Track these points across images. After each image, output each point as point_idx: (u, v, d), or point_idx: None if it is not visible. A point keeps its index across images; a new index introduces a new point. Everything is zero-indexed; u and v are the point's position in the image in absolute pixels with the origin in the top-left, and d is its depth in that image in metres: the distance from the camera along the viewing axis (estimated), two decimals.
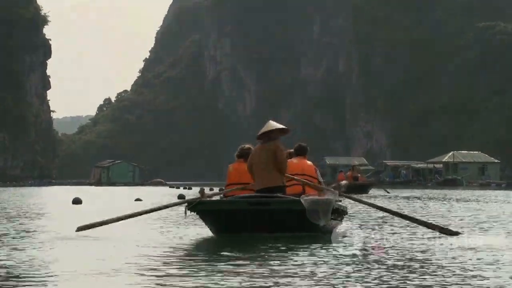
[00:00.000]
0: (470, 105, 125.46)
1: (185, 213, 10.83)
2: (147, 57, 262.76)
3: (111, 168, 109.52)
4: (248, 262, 7.68)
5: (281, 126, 11.47)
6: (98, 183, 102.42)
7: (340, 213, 11.53)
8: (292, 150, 12.33)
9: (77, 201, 25.50)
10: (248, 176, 11.49)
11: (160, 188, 72.53)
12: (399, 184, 75.49)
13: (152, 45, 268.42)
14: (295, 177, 11.84)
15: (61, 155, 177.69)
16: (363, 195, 37.48)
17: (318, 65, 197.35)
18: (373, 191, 43.29)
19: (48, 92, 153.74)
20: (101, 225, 11.02)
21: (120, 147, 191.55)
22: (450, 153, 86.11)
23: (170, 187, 73.82)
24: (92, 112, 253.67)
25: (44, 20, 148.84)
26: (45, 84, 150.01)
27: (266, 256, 8.21)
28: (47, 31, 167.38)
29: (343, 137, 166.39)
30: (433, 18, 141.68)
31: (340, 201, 11.99)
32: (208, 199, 11.07)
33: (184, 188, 61.39)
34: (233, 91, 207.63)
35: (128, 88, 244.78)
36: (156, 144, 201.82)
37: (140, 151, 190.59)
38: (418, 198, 32.35)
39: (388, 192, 41.40)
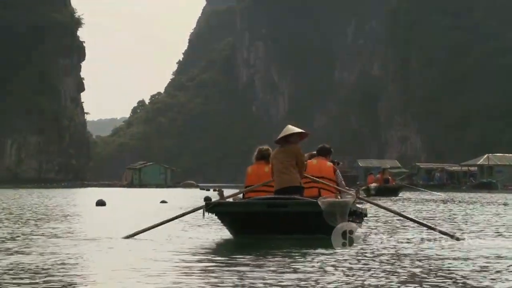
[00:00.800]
0: (507, 109, 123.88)
1: (203, 214, 10.87)
2: (181, 60, 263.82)
3: (143, 170, 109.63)
4: (251, 264, 7.66)
5: (300, 130, 11.49)
6: (130, 185, 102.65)
7: (358, 216, 11.46)
8: (314, 152, 12.37)
9: (101, 203, 25.32)
10: (267, 177, 11.54)
11: (191, 190, 72.65)
12: (433, 187, 74.47)
13: (186, 48, 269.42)
14: (313, 177, 11.80)
15: (96, 157, 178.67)
16: (393, 197, 37.03)
17: (353, 69, 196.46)
18: (403, 194, 42.84)
19: (82, 94, 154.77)
20: (141, 233, 11.21)
21: (153, 149, 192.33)
22: (485, 156, 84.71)
23: (200, 189, 73.80)
24: (127, 114, 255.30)
25: (78, 23, 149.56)
26: (79, 86, 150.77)
27: (271, 258, 8.24)
28: (81, 33, 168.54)
29: (378, 141, 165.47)
30: (471, 21, 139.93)
31: (362, 203, 12.12)
32: (226, 200, 11.19)
33: (214, 190, 61.27)
34: (267, 94, 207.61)
35: (162, 90, 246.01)
36: (189, 147, 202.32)
37: (174, 153, 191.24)
38: (447, 201, 31.65)
39: (425, 190, 40.91)
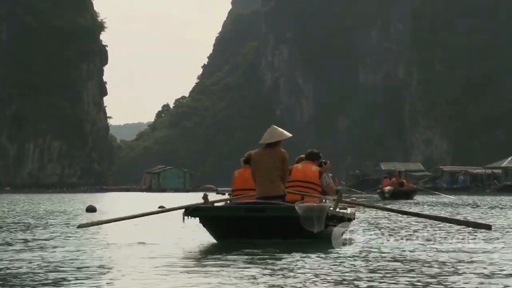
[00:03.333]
0: None
1: (183, 219, 10.80)
2: (205, 64, 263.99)
3: (162, 174, 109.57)
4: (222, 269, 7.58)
5: (288, 134, 11.55)
6: (149, 189, 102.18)
7: (339, 219, 11.17)
8: (302, 156, 12.33)
9: (91, 209, 24.33)
10: (253, 182, 11.52)
11: (208, 194, 71.66)
12: (457, 190, 73.30)
13: (211, 52, 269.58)
14: (295, 191, 11.66)
15: (120, 161, 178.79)
16: (408, 201, 36.52)
17: (377, 71, 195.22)
18: (421, 197, 42.10)
19: (107, 99, 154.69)
20: (99, 224, 11.73)
21: (177, 153, 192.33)
22: (510, 158, 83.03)
23: (217, 193, 73.01)
24: (153, 118, 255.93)
25: (100, 27, 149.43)
26: (102, 91, 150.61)
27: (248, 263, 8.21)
28: (104, 37, 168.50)
29: (403, 144, 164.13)
30: (495, 23, 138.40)
31: (354, 207, 12.27)
32: (208, 205, 11.11)
33: (229, 194, 60.38)
34: (291, 98, 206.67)
35: (187, 94, 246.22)
36: (213, 151, 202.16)
37: (198, 157, 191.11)
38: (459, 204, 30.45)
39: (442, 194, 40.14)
